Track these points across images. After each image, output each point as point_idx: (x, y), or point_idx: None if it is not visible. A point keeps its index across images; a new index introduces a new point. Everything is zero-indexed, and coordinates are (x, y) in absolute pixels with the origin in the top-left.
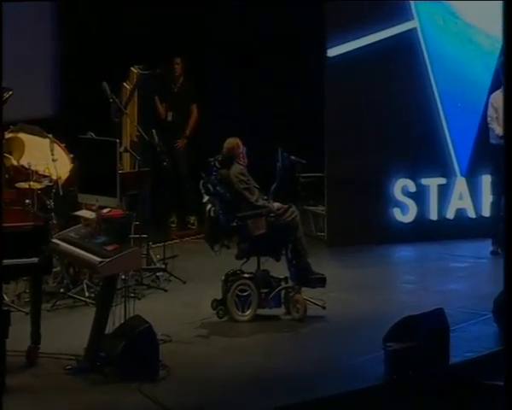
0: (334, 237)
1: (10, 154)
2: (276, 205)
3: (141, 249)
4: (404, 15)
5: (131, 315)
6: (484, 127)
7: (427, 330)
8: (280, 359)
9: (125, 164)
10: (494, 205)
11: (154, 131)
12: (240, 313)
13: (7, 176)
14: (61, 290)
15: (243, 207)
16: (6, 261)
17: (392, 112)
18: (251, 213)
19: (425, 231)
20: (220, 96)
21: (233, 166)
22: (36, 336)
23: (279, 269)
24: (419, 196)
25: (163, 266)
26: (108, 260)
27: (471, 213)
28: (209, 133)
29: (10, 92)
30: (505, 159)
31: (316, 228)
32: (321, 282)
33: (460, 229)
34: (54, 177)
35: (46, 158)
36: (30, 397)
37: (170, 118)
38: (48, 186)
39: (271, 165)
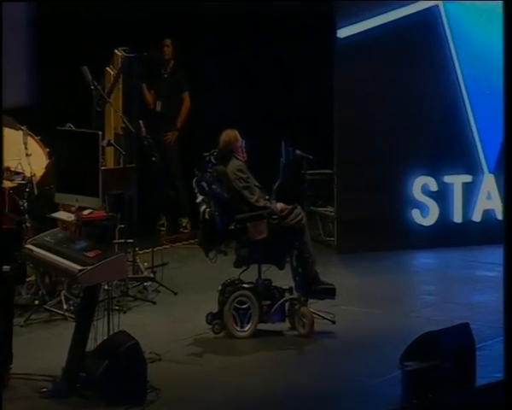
0: (345, 242)
1: None
2: (280, 206)
3: (126, 256)
4: None
5: (116, 331)
6: None
7: (450, 347)
8: (284, 380)
9: (109, 159)
10: None
11: (141, 122)
12: (238, 329)
13: None
14: (36, 303)
15: (242, 208)
16: None
17: (410, 101)
18: (251, 214)
19: (448, 236)
20: (216, 82)
21: (231, 161)
22: (7, 355)
23: (283, 278)
24: (441, 196)
25: (151, 275)
26: (89, 268)
27: (500, 215)
28: (203, 125)
29: None
30: (505, 158)
31: (324, 232)
32: (330, 293)
33: (488, 233)
34: (27, 174)
35: (19, 153)
36: None
37: (159, 107)
38: (21, 185)
39: (274, 160)
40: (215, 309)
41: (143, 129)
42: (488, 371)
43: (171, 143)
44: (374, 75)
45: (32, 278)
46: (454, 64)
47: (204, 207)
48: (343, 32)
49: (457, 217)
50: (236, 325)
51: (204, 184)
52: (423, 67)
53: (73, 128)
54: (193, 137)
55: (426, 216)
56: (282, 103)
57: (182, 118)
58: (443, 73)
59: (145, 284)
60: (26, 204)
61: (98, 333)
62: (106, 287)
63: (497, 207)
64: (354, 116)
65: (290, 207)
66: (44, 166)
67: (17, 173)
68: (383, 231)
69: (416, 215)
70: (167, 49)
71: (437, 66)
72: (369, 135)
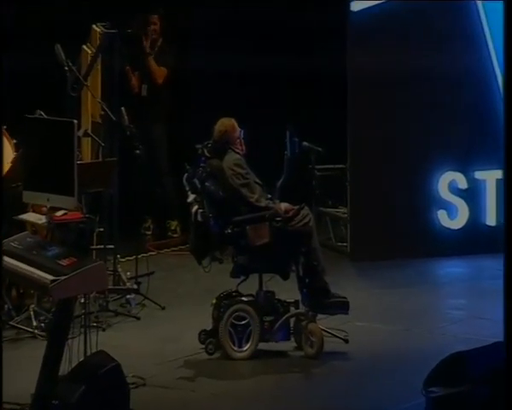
0: (360, 248)
1: None
2: (284, 206)
3: (106, 265)
4: None
5: (93, 351)
6: None
7: (481, 370)
8: (288, 408)
9: (86, 152)
10: None
11: (123, 109)
12: (236, 349)
13: None
14: (1, 319)
15: (240, 208)
16: None
17: (435, 85)
18: (250, 216)
19: (479, 241)
20: (211, 63)
21: (227, 155)
22: None
23: (287, 290)
24: (472, 195)
25: (135, 287)
26: (63, 278)
27: None
28: (195, 112)
29: None
30: (505, 157)
31: (335, 236)
32: (342, 307)
33: None
34: None
35: None
36: None
37: (144, 92)
38: None
39: (277, 153)
40: (209, 326)
41: (126, 117)
42: None
43: (159, 134)
44: (393, 56)
45: None
46: (486, 41)
47: (196, 207)
48: (358, 5)
49: (490, 219)
50: (234, 344)
51: (196, 181)
52: (450, 44)
53: (44, 116)
54: (183, 127)
55: (454, 218)
56: (286, 87)
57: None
58: (473, 52)
59: (128, 296)
60: None
61: (73, 354)
62: (82, 300)
63: None
64: (370, 102)
65: (296, 207)
66: (10, 160)
67: None
68: (404, 236)
69: (442, 217)
70: (154, 26)
71: (466, 43)
72: (388, 124)
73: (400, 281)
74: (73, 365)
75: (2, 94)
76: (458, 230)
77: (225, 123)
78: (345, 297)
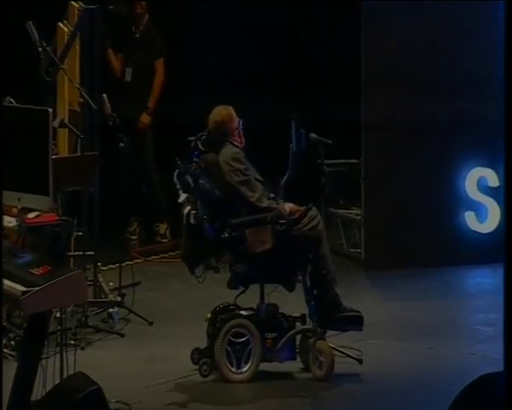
0: (376, 254)
1: None
2: (289, 207)
3: (85, 274)
4: None
5: (71, 372)
6: None
7: None
8: None
9: (62, 145)
10: None
11: (104, 95)
12: (234, 370)
13: None
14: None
15: (239, 209)
16: None
17: (460, 71)
18: (250, 218)
19: None
20: (204, 44)
21: (224, 148)
22: None
23: (293, 303)
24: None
25: (118, 299)
26: (36, 289)
27: None
28: (188, 100)
29: None
30: (505, 157)
31: (348, 241)
32: (355, 323)
33: None
34: None
35: None
36: None
37: (128, 77)
38: None
39: (282, 146)
40: (203, 344)
41: (108, 105)
42: None
43: (144, 129)
44: (411, 40)
45: None
46: None
47: (188, 208)
48: None
49: None
50: (231, 364)
51: (188, 178)
52: (474, 25)
53: (14, 104)
54: (173, 117)
55: (483, 221)
56: (292, 71)
57: (154, 95)
58: (501, 34)
59: (110, 310)
60: None
61: (48, 376)
62: (58, 315)
63: None
64: (387, 88)
65: (303, 208)
66: None
67: None
68: (426, 242)
69: (469, 219)
70: (140, 3)
71: (492, 25)
72: (407, 114)
73: (422, 293)
74: (48, 388)
75: None
76: (488, 234)
77: (222, 112)
78: (358, 311)
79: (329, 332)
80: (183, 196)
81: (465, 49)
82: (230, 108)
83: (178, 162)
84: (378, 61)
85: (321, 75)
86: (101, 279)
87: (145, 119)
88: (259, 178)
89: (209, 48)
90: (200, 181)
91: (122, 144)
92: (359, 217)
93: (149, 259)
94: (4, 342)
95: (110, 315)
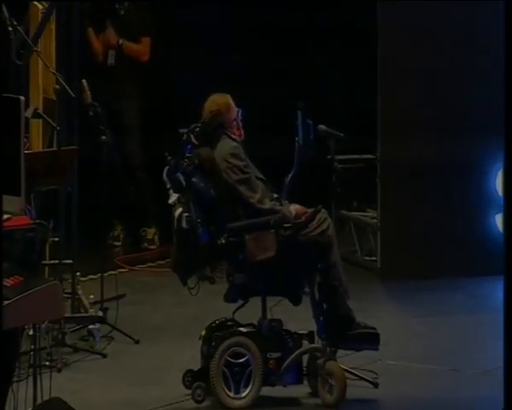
0: (394, 263)
1: None
2: (295, 209)
3: (62, 285)
4: None
5: (46, 398)
6: None
7: None
8: None
9: (35, 138)
10: None
11: (84, 82)
12: (232, 395)
13: None
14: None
15: (237, 212)
16: None
17: (485, 62)
18: (251, 222)
19: None
20: (199, 23)
21: (220, 142)
22: None
23: (299, 319)
24: None
25: (100, 314)
26: (6, 303)
27: None
28: (179, 88)
29: None
30: (505, 156)
31: (362, 248)
32: (370, 341)
33: None
34: None
35: None
36: None
37: (112, 60)
38: None
39: (286, 139)
40: (197, 365)
41: (88, 92)
42: None
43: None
44: (433, 22)
45: None
46: None
47: (180, 210)
48: None
49: None
50: (229, 388)
51: (180, 176)
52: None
53: None
54: (163, 106)
55: None
56: (297, 54)
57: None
58: None
59: (91, 327)
60: None
61: (19, 402)
62: (31, 332)
63: None
64: (406, 72)
65: (310, 210)
66: None
67: None
68: (452, 248)
69: (500, 223)
70: None
71: None
72: (429, 103)
73: (446, 307)
74: None
75: None
76: None
77: (218, 101)
78: (374, 328)
79: (341, 352)
80: (173, 197)
81: None
82: (228, 96)
83: (168, 158)
84: (399, 41)
85: (331, 66)
86: (80, 292)
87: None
88: (261, 176)
89: (201, 36)
90: (194, 179)
91: (104, 137)
92: (375, 220)
93: (135, 268)
94: None
95: (90, 333)
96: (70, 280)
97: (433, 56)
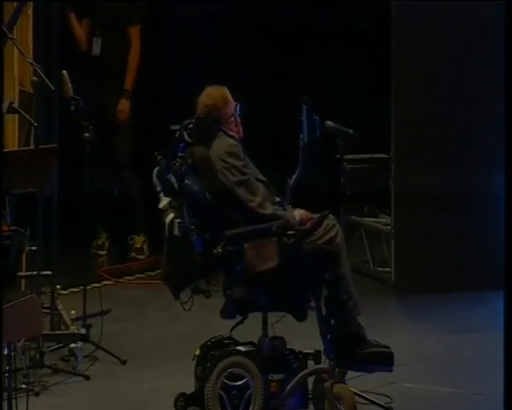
0: (409, 275)
1: None
2: (299, 214)
3: (40, 299)
4: None
5: None
6: None
7: None
8: None
9: (11, 136)
10: None
11: (65, 73)
12: None
13: None
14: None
15: (235, 217)
16: None
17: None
18: (250, 229)
19: None
20: (192, 10)
21: (217, 139)
22: None
23: (304, 336)
24: None
25: (82, 332)
26: None
27: None
28: (171, 79)
29: None
30: (505, 158)
31: (374, 258)
32: (383, 361)
33: None
34: None
35: None
36: None
37: (97, 49)
38: None
39: (290, 137)
40: (190, 388)
41: (69, 85)
42: None
43: (125, 120)
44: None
45: None
46: None
47: (172, 216)
48: None
49: None
50: None
51: (172, 177)
52: None
53: None
54: (153, 100)
55: None
56: (301, 42)
57: (131, 73)
58: None
59: (72, 346)
60: None
61: None
62: (6, 351)
63: None
64: (421, 69)
65: (317, 215)
66: None
67: None
68: (473, 259)
69: None
70: None
71: None
72: (448, 95)
73: (467, 323)
74: None
75: None
76: None
77: (214, 94)
78: (387, 347)
79: (350, 373)
80: (164, 201)
81: None
82: (225, 89)
83: (159, 158)
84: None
85: (340, 56)
86: (60, 306)
87: (124, 105)
88: (261, 177)
89: (195, 22)
90: (187, 181)
91: (87, 135)
92: (389, 227)
93: (122, 280)
94: None
95: (72, 352)
96: (49, 293)
97: (447, 55)
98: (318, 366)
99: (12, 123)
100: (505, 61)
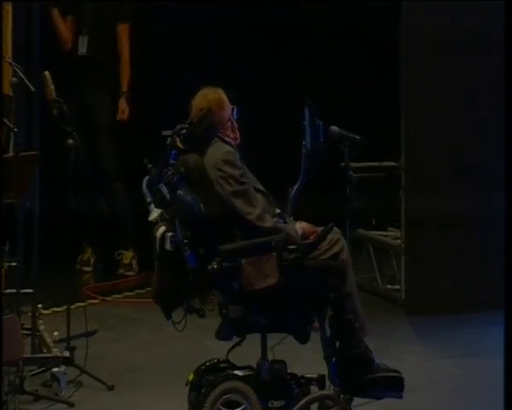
0: (421, 293)
1: None
2: (301, 227)
3: (20, 319)
4: None
5: None
6: None
7: None
8: None
9: None
10: None
11: (47, 74)
12: None
13: None
14: None
15: (232, 231)
16: None
17: None
18: (248, 243)
19: None
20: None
21: (212, 146)
22: None
23: (306, 360)
24: None
25: (66, 355)
26: None
27: None
28: (163, 81)
29: None
30: (506, 158)
31: (383, 275)
32: (393, 387)
33: None
34: None
35: None
36: None
37: (83, 49)
38: None
39: (291, 143)
40: None
41: (52, 87)
42: None
43: (125, 120)
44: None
45: None
46: None
47: (163, 229)
48: None
49: None
50: None
51: (163, 187)
52: None
53: None
54: (143, 103)
55: None
56: (304, 40)
57: (125, 73)
58: None
59: (55, 370)
60: None
61: None
62: None
63: None
64: (435, 69)
65: (321, 229)
66: None
67: None
68: (491, 275)
69: None
70: None
71: None
72: (464, 99)
73: (483, 346)
74: None
75: None
76: None
77: (209, 96)
78: (397, 371)
79: (357, 400)
80: (155, 213)
81: None
82: (221, 91)
83: (149, 166)
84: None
85: (346, 54)
86: (42, 327)
87: (123, 106)
88: (260, 187)
89: (188, 20)
90: (179, 192)
91: (71, 141)
92: (398, 241)
93: (109, 299)
94: None
95: (54, 377)
96: (30, 313)
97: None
98: (322, 392)
99: None
100: (505, 63)
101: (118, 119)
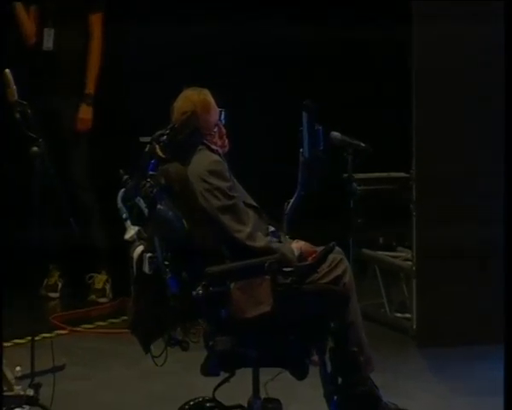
0: (434, 323)
1: None
2: (298, 247)
3: None
4: None
5: None
6: None
7: None
8: None
9: None
10: None
11: (8, 72)
12: None
13: None
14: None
15: (220, 251)
16: None
17: None
18: (238, 265)
19: None
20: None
21: (196, 154)
22: None
23: (304, 398)
24: None
25: (30, 393)
26: None
27: None
28: (141, 80)
29: None
30: (506, 158)
31: (391, 301)
32: None
33: None
34: None
35: None
36: None
37: (49, 44)
38: None
39: (287, 151)
40: None
41: (14, 87)
42: None
43: (86, 129)
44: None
45: None
46: None
47: (140, 249)
48: None
49: None
50: None
51: (141, 202)
52: None
53: None
54: (118, 106)
55: None
56: (303, 37)
57: (92, 72)
58: None
59: None
60: None
61: None
62: None
63: None
64: (447, 73)
65: (321, 248)
66: None
67: None
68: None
69: None
70: None
71: None
72: (479, 107)
73: (501, 383)
74: None
75: None
76: None
77: (193, 98)
78: None
79: None
80: (131, 231)
81: None
82: (207, 92)
83: (125, 177)
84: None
85: (350, 53)
86: (3, 364)
87: (85, 113)
88: (252, 202)
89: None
90: (159, 206)
91: (36, 148)
92: (409, 263)
93: (79, 329)
94: None
95: None
96: None
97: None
98: None
99: None
100: (505, 63)
101: (77, 128)
